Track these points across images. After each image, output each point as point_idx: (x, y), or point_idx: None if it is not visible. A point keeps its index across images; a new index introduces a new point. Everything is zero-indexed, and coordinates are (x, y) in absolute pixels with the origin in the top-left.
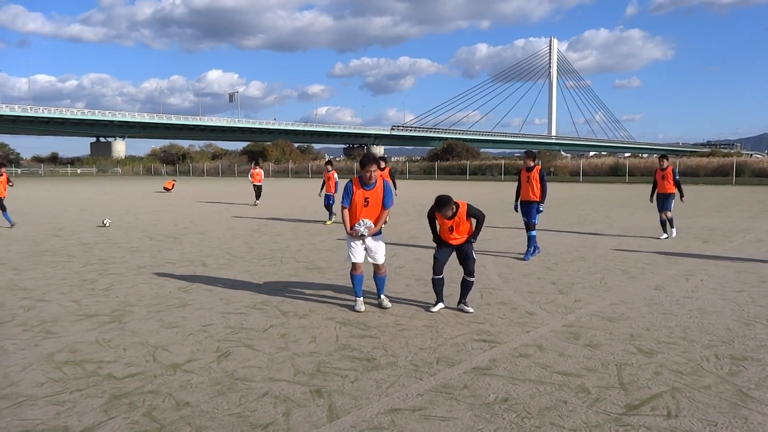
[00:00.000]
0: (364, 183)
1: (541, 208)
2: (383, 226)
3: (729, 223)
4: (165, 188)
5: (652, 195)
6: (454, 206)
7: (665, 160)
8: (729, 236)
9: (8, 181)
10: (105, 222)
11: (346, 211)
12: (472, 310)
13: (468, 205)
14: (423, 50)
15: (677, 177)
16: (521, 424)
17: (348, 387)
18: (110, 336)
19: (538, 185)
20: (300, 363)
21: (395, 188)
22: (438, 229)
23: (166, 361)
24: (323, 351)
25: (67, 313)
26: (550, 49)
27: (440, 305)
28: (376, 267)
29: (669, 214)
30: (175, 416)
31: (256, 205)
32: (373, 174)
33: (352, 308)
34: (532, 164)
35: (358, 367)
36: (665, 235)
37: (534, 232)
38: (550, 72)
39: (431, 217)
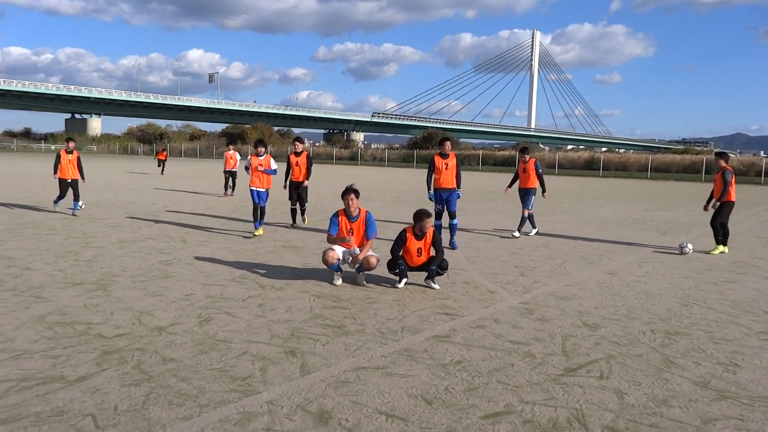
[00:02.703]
0: (348, 215)
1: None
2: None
3: (690, 217)
4: (159, 159)
5: (509, 187)
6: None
7: (526, 154)
8: (687, 229)
9: None
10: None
11: (332, 237)
12: (437, 287)
13: (434, 233)
14: (407, 38)
15: (540, 171)
16: (471, 381)
17: (319, 349)
18: (97, 302)
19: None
20: (276, 328)
21: (309, 174)
22: (403, 249)
23: (151, 324)
24: (297, 319)
25: (53, 280)
26: (532, 41)
27: (404, 280)
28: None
29: (527, 211)
30: (162, 369)
31: (230, 195)
32: (351, 203)
33: (326, 283)
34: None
35: (329, 333)
36: (517, 234)
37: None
38: (531, 64)
39: (401, 237)
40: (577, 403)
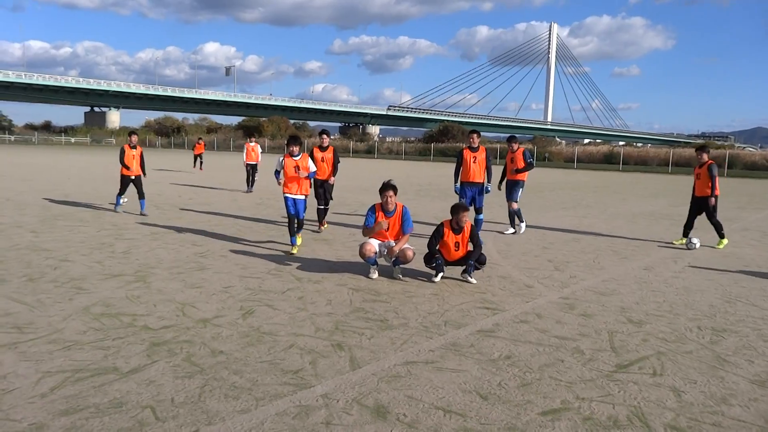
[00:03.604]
0: (385, 210)
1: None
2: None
3: (719, 213)
4: (197, 156)
5: (500, 182)
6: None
7: (514, 143)
8: None
9: None
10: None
11: (368, 229)
12: (474, 281)
13: (472, 226)
14: (423, 30)
15: (530, 160)
16: (523, 377)
17: (366, 342)
18: (138, 293)
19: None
20: (319, 321)
21: (336, 170)
22: (440, 243)
23: (195, 316)
24: (339, 312)
25: (92, 272)
26: (549, 34)
27: (441, 274)
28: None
29: (515, 205)
30: (213, 362)
31: (250, 192)
32: (389, 200)
33: (362, 276)
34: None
35: (373, 327)
36: (511, 230)
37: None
38: (548, 57)
39: (438, 231)
40: (635, 400)
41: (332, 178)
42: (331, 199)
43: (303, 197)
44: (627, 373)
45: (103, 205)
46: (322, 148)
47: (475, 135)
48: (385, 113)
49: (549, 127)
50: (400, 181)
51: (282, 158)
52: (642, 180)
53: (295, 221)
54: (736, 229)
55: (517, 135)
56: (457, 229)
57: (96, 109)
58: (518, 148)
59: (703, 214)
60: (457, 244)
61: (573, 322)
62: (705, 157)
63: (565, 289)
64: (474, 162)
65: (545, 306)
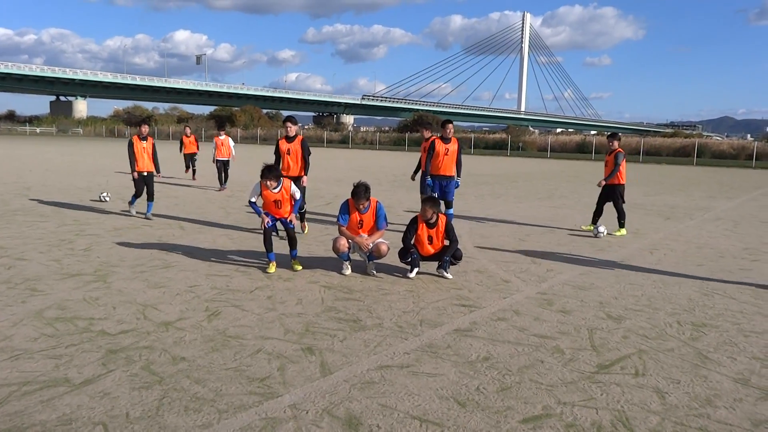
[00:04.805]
0: (359, 208)
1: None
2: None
3: (690, 202)
4: (187, 154)
5: (414, 174)
6: (435, 215)
7: (428, 130)
8: (690, 214)
9: None
10: (102, 196)
11: (343, 229)
12: (450, 277)
13: (447, 221)
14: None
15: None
16: (503, 380)
17: (337, 345)
18: (97, 294)
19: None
20: (289, 323)
21: (308, 166)
22: (414, 238)
23: (156, 319)
24: (310, 312)
25: (49, 271)
26: (522, 24)
27: (416, 269)
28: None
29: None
30: (173, 370)
31: (224, 189)
32: (362, 205)
33: (334, 273)
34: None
35: (345, 328)
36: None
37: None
38: (522, 47)
39: (412, 225)
40: (618, 404)
41: (304, 177)
42: (305, 203)
43: (289, 219)
44: (609, 374)
45: (65, 199)
46: (289, 139)
47: (450, 125)
48: (359, 103)
49: (522, 116)
50: (374, 171)
51: (258, 187)
52: None
53: (272, 235)
54: (708, 218)
55: (489, 125)
56: (431, 223)
57: (62, 98)
58: (431, 136)
59: (612, 201)
60: (430, 238)
61: (552, 319)
62: (615, 144)
63: (543, 284)
64: (446, 154)
65: (523, 302)
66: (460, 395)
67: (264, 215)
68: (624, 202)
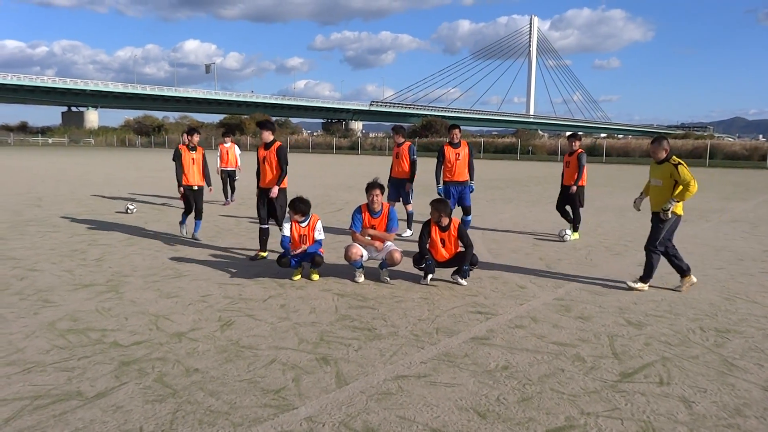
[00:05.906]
0: (372, 211)
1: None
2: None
3: (705, 204)
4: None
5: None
6: (445, 218)
7: (399, 133)
8: (706, 216)
9: None
10: (129, 209)
11: (356, 236)
12: (465, 283)
13: (460, 225)
14: (405, 25)
15: (414, 157)
16: (523, 390)
17: (353, 355)
18: (109, 305)
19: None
20: (303, 332)
21: (283, 171)
22: (428, 242)
23: (169, 329)
24: (324, 321)
25: (61, 282)
26: (530, 27)
27: (431, 275)
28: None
29: (409, 207)
30: (187, 382)
31: (231, 202)
32: (375, 199)
33: (348, 280)
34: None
35: (360, 337)
36: (409, 232)
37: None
38: (530, 51)
39: (426, 227)
40: (644, 414)
41: (274, 188)
42: (280, 219)
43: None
44: (632, 383)
45: (77, 209)
46: (266, 146)
47: (456, 130)
48: (367, 109)
49: (531, 120)
50: (384, 177)
51: (290, 223)
52: (626, 171)
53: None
54: (725, 220)
55: (498, 130)
56: (443, 226)
57: (73, 108)
58: (405, 141)
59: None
60: (443, 241)
61: (571, 326)
62: (576, 145)
63: (559, 290)
64: (457, 159)
65: (540, 308)
66: (480, 406)
67: (290, 258)
68: (582, 206)
